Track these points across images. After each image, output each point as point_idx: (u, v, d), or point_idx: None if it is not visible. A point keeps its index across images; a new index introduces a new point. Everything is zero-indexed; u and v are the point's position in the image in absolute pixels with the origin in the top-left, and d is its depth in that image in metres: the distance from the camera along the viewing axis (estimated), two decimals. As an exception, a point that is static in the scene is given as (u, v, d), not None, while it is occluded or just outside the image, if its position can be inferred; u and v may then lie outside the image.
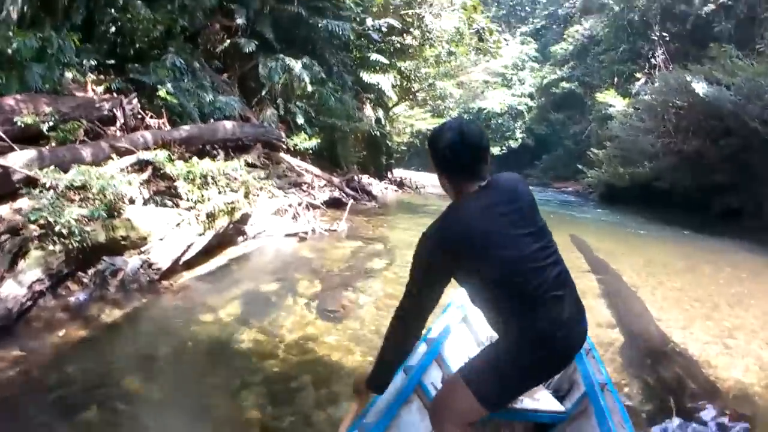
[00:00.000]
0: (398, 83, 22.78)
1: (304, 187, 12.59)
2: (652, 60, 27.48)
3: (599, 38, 38.75)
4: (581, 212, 21.71)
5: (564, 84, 42.98)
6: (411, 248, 2.17)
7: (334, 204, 13.00)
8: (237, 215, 7.42)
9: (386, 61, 19.26)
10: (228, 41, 14.39)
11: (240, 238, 7.98)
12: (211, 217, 6.73)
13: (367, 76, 19.12)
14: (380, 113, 20.15)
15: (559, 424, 2.67)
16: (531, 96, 49.89)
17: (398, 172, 30.08)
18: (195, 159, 7.96)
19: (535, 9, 58.23)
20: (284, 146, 13.89)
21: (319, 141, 15.12)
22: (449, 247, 1.96)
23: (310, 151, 14.94)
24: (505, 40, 44.77)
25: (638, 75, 26.27)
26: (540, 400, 2.67)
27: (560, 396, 2.85)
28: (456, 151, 1.98)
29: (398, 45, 21.03)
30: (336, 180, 14.29)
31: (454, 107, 24.66)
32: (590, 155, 29.56)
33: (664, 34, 27.54)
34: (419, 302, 2.05)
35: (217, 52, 14.56)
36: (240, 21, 13.89)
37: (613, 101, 26.00)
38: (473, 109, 48.38)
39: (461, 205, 2.03)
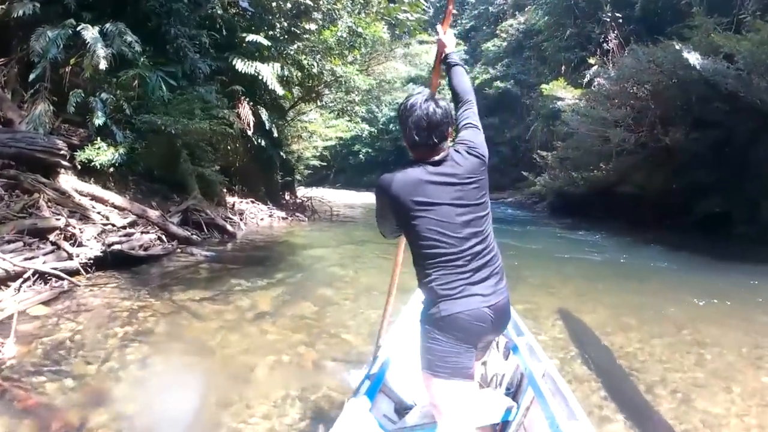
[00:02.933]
0: (294, 77, 17.57)
1: (79, 227, 7.08)
2: (605, 45, 23.11)
3: (538, 29, 34.52)
4: (532, 234, 16.75)
5: (498, 84, 38.73)
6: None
7: (150, 255, 7.75)
8: None
9: (266, 43, 13.91)
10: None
11: None
12: None
13: (241, 64, 13.76)
14: (264, 115, 14.74)
15: (513, 420, 2.70)
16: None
17: (314, 192, 25.19)
18: None
19: (464, 10, 54.24)
20: (64, 162, 8.37)
21: (136, 152, 9.69)
22: (388, 196, 2.16)
23: (124, 168, 9.51)
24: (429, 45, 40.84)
25: (591, 60, 21.76)
26: (491, 400, 2.77)
27: (510, 392, 2.94)
28: (420, 129, 2.17)
29: (289, 28, 15.87)
30: (154, 214, 8.73)
31: (361, 103, 19.38)
32: (536, 159, 25.04)
33: (618, 14, 23.24)
34: (383, 225, 2.35)
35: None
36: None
37: (562, 93, 21.43)
38: (386, 103, 44.38)
39: (414, 168, 2.16)
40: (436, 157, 2.19)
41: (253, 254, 9.33)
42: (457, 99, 2.56)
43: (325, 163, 42.66)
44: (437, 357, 2.09)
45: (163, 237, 8.53)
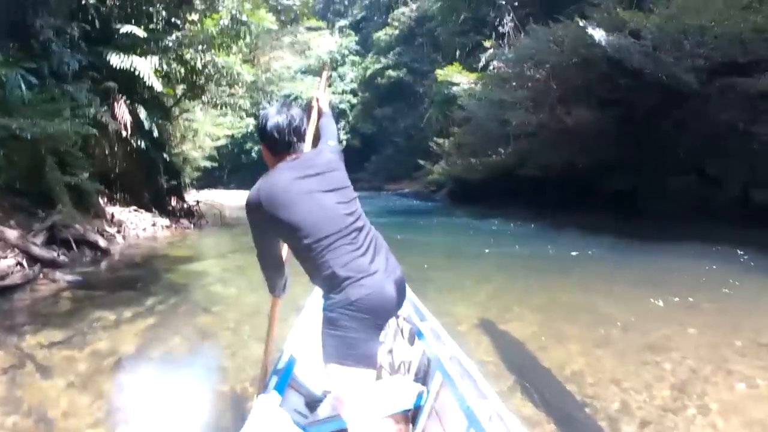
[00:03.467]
0: (176, 72, 16.16)
1: None
2: (500, 28, 23.07)
3: (431, 15, 34.32)
4: (436, 227, 16.43)
5: (390, 72, 38.51)
6: None
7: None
8: None
9: (142, 34, 12.54)
10: None
11: None
12: None
13: (116, 59, 12.30)
14: (143, 114, 13.30)
15: (424, 404, 2.73)
16: (353, 92, 45.04)
17: (205, 195, 23.71)
18: None
19: (355, 1, 53.67)
20: None
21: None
22: (261, 205, 2.13)
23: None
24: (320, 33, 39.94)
25: (486, 44, 21.64)
26: (400, 387, 2.79)
27: (419, 377, 2.96)
28: (282, 132, 2.22)
29: (168, 18, 14.55)
30: (12, 235, 7.34)
31: (245, 96, 18.10)
32: (433, 147, 24.89)
33: (513, -3, 23.28)
34: (266, 257, 2.33)
35: None
36: None
37: (457, 78, 21.20)
38: (274, 95, 42.51)
39: (273, 171, 2.22)
40: (295, 156, 2.27)
41: (125, 274, 8.03)
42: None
43: (216, 164, 40.83)
44: (345, 345, 2.06)
45: (24, 261, 7.21)
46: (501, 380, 3.95)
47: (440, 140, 24.13)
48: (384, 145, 40.90)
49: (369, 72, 41.28)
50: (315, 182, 2.17)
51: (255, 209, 2.16)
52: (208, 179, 46.00)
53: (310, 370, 3.02)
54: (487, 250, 10.58)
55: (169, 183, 16.25)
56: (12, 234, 7.37)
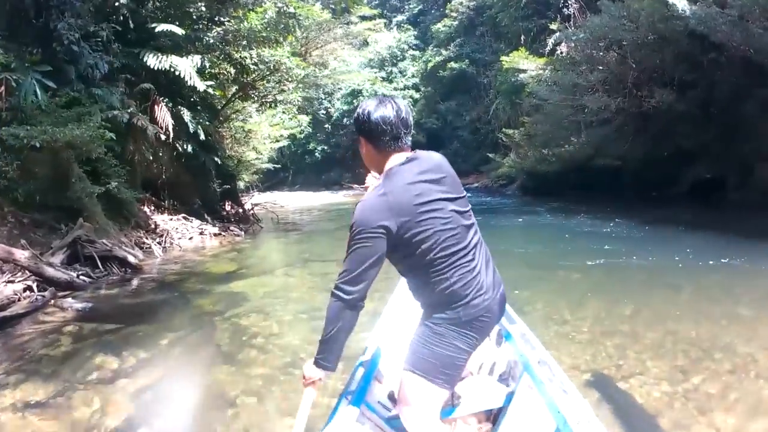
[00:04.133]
0: (224, 71, 15.43)
1: None
2: (565, 10, 21.22)
3: (489, 3, 32.55)
4: (516, 227, 14.70)
5: (452, 64, 36.81)
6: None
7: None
8: None
9: (180, 32, 11.79)
10: None
11: None
12: None
13: (153, 59, 11.59)
14: (187, 116, 12.52)
15: (507, 405, 2.67)
16: (416, 87, 43.56)
17: (267, 197, 23.09)
18: None
19: (411, -5, 52.28)
20: None
21: (7, 175, 7.55)
22: (389, 218, 1.92)
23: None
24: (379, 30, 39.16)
25: (552, 26, 19.83)
26: (485, 387, 2.73)
27: (503, 378, 2.85)
28: (390, 123, 2.02)
29: (210, 14, 13.80)
30: (23, 256, 6.43)
31: (296, 90, 17.17)
32: (501, 139, 23.26)
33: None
34: (357, 286, 1.95)
35: None
36: None
37: (524, 65, 19.48)
38: (337, 95, 42.37)
39: (394, 176, 2.02)
40: (408, 154, 2.10)
41: (148, 299, 6.89)
42: None
43: (279, 165, 40.62)
44: (443, 363, 2.02)
45: (35, 285, 6.33)
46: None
47: (509, 131, 22.46)
48: (449, 140, 39.32)
49: (430, 65, 39.73)
50: (438, 189, 2.03)
51: (376, 222, 1.93)
52: (273, 181, 46.10)
53: (395, 363, 2.82)
54: (589, 263, 8.49)
55: (222, 187, 15.46)
56: (22, 254, 6.48)
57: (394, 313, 3.32)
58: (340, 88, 43.92)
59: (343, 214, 18.91)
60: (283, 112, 20.44)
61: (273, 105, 18.66)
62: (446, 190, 2.03)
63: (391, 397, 2.76)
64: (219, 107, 16.42)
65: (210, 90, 13.76)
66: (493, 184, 29.38)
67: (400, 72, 44.97)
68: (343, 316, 1.95)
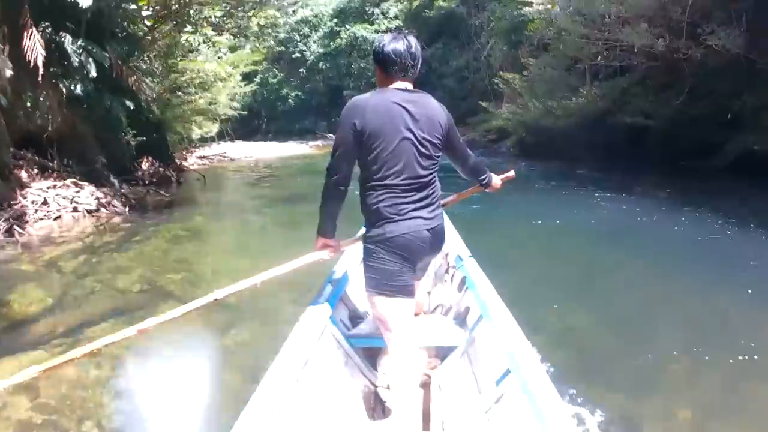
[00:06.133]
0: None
1: None
2: None
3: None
4: (517, 205, 10.90)
5: (441, 3, 32.83)
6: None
7: None
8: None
9: None
10: None
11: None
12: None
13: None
14: (70, 45, 8.94)
15: (461, 347, 2.87)
16: (398, 30, 39.12)
17: (223, 148, 19.64)
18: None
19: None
20: None
21: None
22: (359, 114, 2.18)
23: None
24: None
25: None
26: (440, 325, 3.01)
27: (458, 321, 3.06)
28: (400, 55, 2.24)
29: None
30: None
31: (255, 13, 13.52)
32: (499, 85, 19.74)
33: None
34: (337, 169, 2.25)
35: None
36: None
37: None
38: (313, 36, 38.69)
39: (384, 90, 2.28)
40: (409, 85, 2.32)
41: None
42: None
43: (245, 112, 37.01)
44: (383, 276, 2.23)
45: None
46: None
47: (508, 75, 18.74)
48: (433, 88, 35.34)
49: (415, 4, 35.57)
50: (411, 121, 2.21)
51: (352, 115, 2.19)
52: (246, 129, 42.79)
53: (359, 288, 3.02)
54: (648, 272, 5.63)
55: (138, 140, 11.97)
56: None
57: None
58: (316, 29, 40.20)
59: (293, 174, 15.56)
60: (235, 37, 16.70)
61: (217, 33, 14.97)
62: (418, 126, 2.22)
63: (351, 319, 3.11)
64: (138, 36, 12.71)
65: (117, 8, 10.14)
66: (481, 139, 25.97)
67: (382, 13, 40.74)
68: (330, 192, 2.29)
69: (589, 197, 10.36)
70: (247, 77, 42.65)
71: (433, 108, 2.30)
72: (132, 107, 11.19)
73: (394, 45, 2.23)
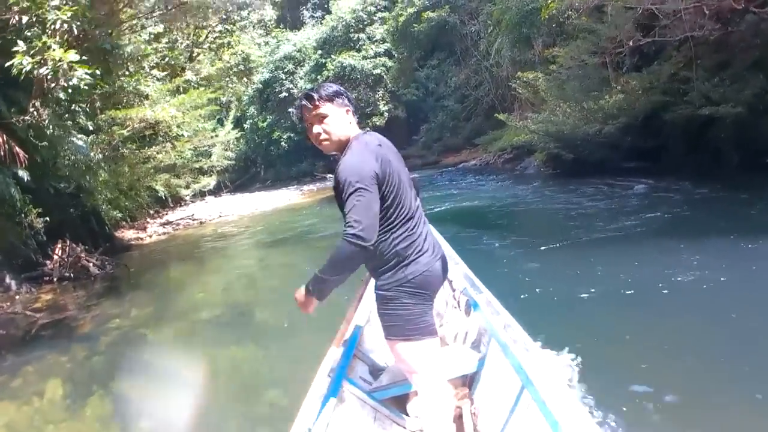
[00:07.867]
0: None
1: None
2: None
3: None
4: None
5: (429, 14, 29.69)
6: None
7: None
8: None
9: None
10: None
11: None
12: None
13: None
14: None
15: (480, 369, 2.95)
16: (388, 54, 36.40)
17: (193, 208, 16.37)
18: None
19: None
20: None
21: None
22: (375, 158, 2.13)
23: None
24: None
25: None
26: (458, 354, 3.04)
27: (475, 345, 3.14)
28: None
29: None
30: None
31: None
32: (517, 92, 16.26)
33: None
34: (372, 214, 2.08)
35: None
36: None
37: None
38: (299, 72, 36.43)
39: (364, 135, 2.27)
40: (371, 132, 2.38)
41: None
42: None
43: (233, 162, 34.20)
44: (407, 321, 2.18)
45: None
46: None
47: (529, 75, 15.12)
48: (433, 112, 32.71)
49: (402, 20, 32.42)
50: (394, 158, 2.26)
51: (370, 170, 2.09)
52: (244, 178, 42.18)
53: (374, 341, 3.17)
54: None
55: (45, 221, 8.67)
56: None
57: (368, 295, 3.47)
58: (301, 64, 37.71)
59: (257, 244, 12.19)
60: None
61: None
62: (399, 160, 2.29)
63: (372, 373, 3.06)
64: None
65: None
66: (496, 161, 22.57)
67: (369, 38, 37.84)
68: (358, 261, 2.09)
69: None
70: (238, 123, 40.44)
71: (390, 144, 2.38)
72: (27, 178, 7.93)
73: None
